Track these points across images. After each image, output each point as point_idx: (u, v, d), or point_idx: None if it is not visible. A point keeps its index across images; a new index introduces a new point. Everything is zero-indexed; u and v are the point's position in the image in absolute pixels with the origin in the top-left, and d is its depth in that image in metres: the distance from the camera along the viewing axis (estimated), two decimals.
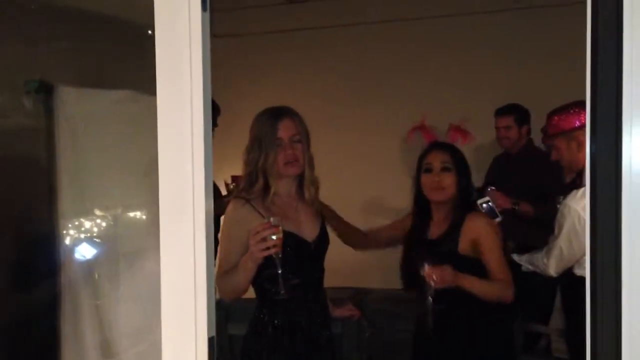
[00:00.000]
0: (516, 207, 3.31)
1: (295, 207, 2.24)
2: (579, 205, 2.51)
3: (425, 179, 2.48)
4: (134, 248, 2.59)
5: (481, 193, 3.08)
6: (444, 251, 2.40)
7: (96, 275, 2.35)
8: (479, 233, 2.37)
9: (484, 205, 2.77)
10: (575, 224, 2.52)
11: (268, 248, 1.99)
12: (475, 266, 2.37)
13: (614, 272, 1.07)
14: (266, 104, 2.30)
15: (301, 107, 2.31)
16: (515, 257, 2.75)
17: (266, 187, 2.17)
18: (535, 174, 3.52)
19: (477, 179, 3.60)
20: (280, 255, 2.02)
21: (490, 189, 3.21)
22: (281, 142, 2.17)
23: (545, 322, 3.73)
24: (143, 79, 1.51)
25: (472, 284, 2.30)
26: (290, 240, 2.12)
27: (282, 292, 2.05)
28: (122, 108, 2.13)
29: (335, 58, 4.89)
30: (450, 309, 2.35)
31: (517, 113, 3.82)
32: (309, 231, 2.22)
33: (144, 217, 2.61)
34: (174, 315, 1.34)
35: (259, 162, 2.16)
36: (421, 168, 2.50)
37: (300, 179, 2.25)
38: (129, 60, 2.05)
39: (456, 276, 2.27)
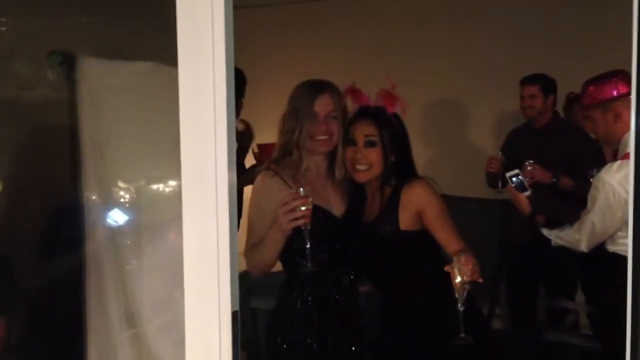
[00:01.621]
0: (556, 181, 3.21)
1: (324, 184, 2.21)
2: (613, 179, 2.43)
3: (348, 153, 2.19)
4: (158, 219, 2.61)
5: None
6: (385, 233, 2.18)
7: (120, 246, 2.36)
8: (421, 204, 2.13)
9: (514, 178, 2.70)
10: (609, 198, 2.44)
11: (297, 219, 1.95)
12: (421, 240, 2.18)
13: None
14: (293, 76, 2.27)
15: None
16: (545, 231, 2.69)
17: (298, 161, 2.14)
18: (564, 147, 3.43)
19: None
20: (309, 227, 1.97)
21: (529, 162, 3.13)
22: (317, 117, 2.13)
23: (571, 298, 3.67)
24: (166, 51, 1.49)
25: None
26: (319, 213, 2.09)
27: (309, 264, 2.00)
28: (146, 80, 2.13)
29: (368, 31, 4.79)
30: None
31: (543, 82, 3.71)
32: (337, 207, 2.19)
33: (168, 189, 2.61)
34: (197, 289, 1.33)
35: (294, 134, 2.13)
36: (346, 139, 2.20)
37: (332, 157, 2.20)
38: (152, 32, 2.04)
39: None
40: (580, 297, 3.64)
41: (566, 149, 3.41)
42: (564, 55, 4.03)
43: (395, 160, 2.19)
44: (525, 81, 3.76)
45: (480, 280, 1.94)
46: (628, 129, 2.44)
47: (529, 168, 3.08)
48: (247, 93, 3.50)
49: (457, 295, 1.92)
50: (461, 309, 1.93)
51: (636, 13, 0.98)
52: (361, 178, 2.19)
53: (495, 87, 4.34)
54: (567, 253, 3.48)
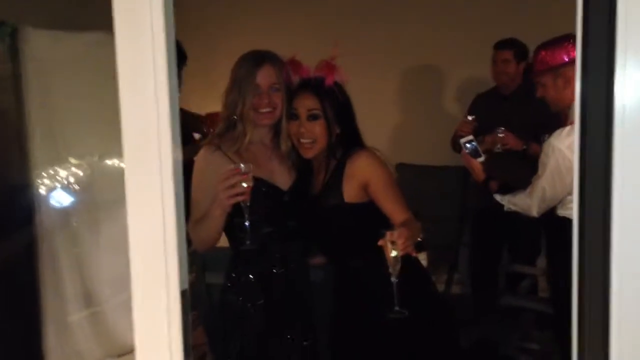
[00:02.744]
0: (526, 148, 3.23)
1: (269, 156, 2.18)
2: (563, 144, 2.44)
3: (292, 127, 2.14)
4: (113, 196, 2.56)
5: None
6: (330, 205, 2.15)
7: (74, 225, 2.32)
8: (364, 175, 2.10)
9: (468, 144, 2.69)
10: (558, 163, 2.46)
11: (236, 195, 1.92)
12: (367, 212, 2.14)
13: (602, 215, 1.02)
14: (243, 46, 2.21)
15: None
16: (497, 197, 2.70)
17: (242, 134, 2.11)
18: (531, 114, 3.43)
19: None
20: (248, 204, 1.95)
21: (500, 129, 3.12)
22: (259, 89, 2.09)
23: (532, 262, 3.73)
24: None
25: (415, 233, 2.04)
26: (262, 187, 2.07)
27: (248, 242, 1.98)
28: (96, 51, 2.06)
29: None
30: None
31: (517, 47, 3.67)
32: (282, 180, 2.17)
33: (122, 165, 2.54)
34: (143, 269, 1.29)
35: (237, 106, 2.10)
36: (289, 113, 2.15)
37: (276, 129, 2.18)
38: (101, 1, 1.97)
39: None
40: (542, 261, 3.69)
41: (534, 117, 3.40)
42: (532, 21, 3.97)
43: (340, 131, 2.15)
44: (499, 46, 3.71)
45: (413, 254, 1.94)
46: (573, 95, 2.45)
47: (500, 135, 3.08)
48: (188, 66, 3.38)
49: (390, 270, 1.91)
50: (394, 282, 1.92)
51: None
52: (307, 152, 2.16)
53: (462, 52, 4.29)
54: (527, 218, 3.60)
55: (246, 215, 1.97)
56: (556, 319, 2.68)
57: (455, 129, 3.66)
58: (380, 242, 1.88)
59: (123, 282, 2.63)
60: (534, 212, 2.60)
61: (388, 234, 1.88)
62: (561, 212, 2.59)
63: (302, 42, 2.41)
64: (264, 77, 2.11)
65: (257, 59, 2.13)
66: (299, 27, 4.49)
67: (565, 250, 2.66)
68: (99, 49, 2.01)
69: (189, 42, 3.06)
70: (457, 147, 3.66)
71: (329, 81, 2.16)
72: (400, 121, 4.70)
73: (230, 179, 1.90)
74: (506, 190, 2.70)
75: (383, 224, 2.07)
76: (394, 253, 1.88)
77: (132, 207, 1.27)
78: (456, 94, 4.57)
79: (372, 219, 2.13)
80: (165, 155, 1.26)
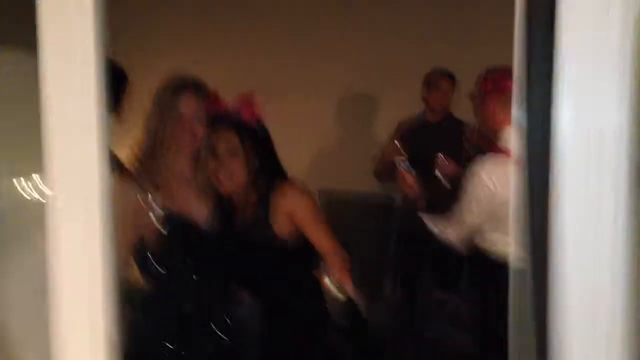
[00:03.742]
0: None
1: (187, 188, 2.11)
2: (484, 170, 2.49)
3: (209, 164, 2.08)
4: (24, 226, 2.41)
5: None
6: (260, 240, 2.12)
7: None
8: (289, 206, 2.07)
9: (402, 163, 2.77)
10: (477, 189, 2.49)
11: (137, 228, 1.89)
12: (299, 245, 2.11)
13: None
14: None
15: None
16: (423, 215, 2.72)
17: (161, 163, 2.04)
18: (458, 142, 3.50)
19: None
20: (151, 242, 1.93)
21: (440, 155, 3.16)
22: (182, 118, 2.03)
23: (453, 288, 3.77)
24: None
25: None
26: (178, 220, 2.01)
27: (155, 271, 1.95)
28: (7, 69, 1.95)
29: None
30: None
31: (454, 78, 3.76)
32: (200, 213, 2.10)
33: (31, 189, 2.40)
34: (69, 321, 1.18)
35: (157, 134, 2.01)
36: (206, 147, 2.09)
37: (197, 158, 2.12)
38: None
39: None
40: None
41: (460, 144, 3.48)
42: (461, 50, 4.05)
43: (260, 166, 2.12)
44: (441, 74, 3.76)
45: (348, 285, 1.91)
46: (505, 125, 2.54)
47: (440, 160, 3.14)
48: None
49: (332, 294, 1.92)
50: (341, 299, 1.94)
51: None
52: (226, 189, 2.11)
53: (387, 76, 4.34)
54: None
55: (149, 253, 1.92)
56: (477, 352, 2.72)
57: (381, 156, 3.68)
58: (315, 273, 1.86)
59: (34, 317, 2.46)
60: (452, 238, 2.63)
61: (321, 264, 1.86)
62: (480, 244, 2.64)
63: (218, 74, 2.34)
64: (187, 104, 2.04)
65: (180, 86, 2.07)
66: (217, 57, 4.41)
67: (483, 284, 2.76)
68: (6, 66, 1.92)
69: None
70: (382, 175, 3.72)
71: (247, 117, 2.12)
72: (320, 146, 4.67)
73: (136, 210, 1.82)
74: (432, 211, 2.73)
75: (313, 256, 2.06)
76: (329, 283, 1.86)
77: (56, 247, 1.17)
78: (380, 119, 4.60)
79: (303, 252, 2.11)
80: (94, 184, 1.17)
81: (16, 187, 2.28)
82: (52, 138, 1.16)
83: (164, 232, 1.94)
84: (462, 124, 3.74)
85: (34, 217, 2.51)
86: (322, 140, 4.68)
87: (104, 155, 1.22)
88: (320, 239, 2.07)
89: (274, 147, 2.20)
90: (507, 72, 2.50)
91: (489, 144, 2.62)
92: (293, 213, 2.08)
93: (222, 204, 2.15)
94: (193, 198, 2.11)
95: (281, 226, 2.10)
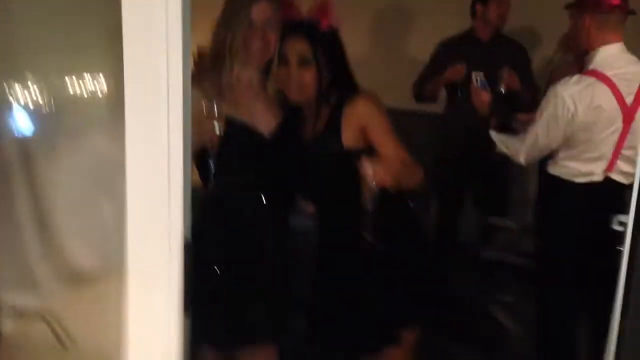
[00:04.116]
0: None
1: (254, 99, 1.99)
2: (566, 91, 2.31)
3: (280, 73, 1.98)
4: (78, 122, 2.38)
5: None
6: (327, 152, 2.02)
7: (32, 149, 2.14)
8: (364, 119, 1.97)
9: (479, 79, 2.62)
10: (557, 110, 2.33)
11: (201, 137, 1.77)
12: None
13: None
14: None
15: None
16: (493, 134, 2.58)
17: (228, 72, 1.91)
18: (507, 61, 3.29)
19: None
20: (215, 150, 1.81)
21: (505, 69, 3.00)
22: (253, 25, 1.89)
23: (502, 215, 3.67)
24: None
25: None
26: (243, 131, 1.91)
27: (211, 185, 1.84)
28: None
29: None
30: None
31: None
32: (265, 125, 1.98)
33: (92, 87, 2.35)
34: (143, 215, 1.10)
35: (226, 42, 1.88)
36: (278, 56, 1.97)
37: (267, 69, 1.99)
38: None
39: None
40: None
41: (509, 64, 3.27)
42: None
43: (332, 78, 2.00)
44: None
45: (387, 185, 1.82)
46: (600, 44, 2.34)
47: (506, 74, 2.96)
48: None
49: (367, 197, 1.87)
50: (370, 209, 1.86)
51: None
52: (295, 100, 2.00)
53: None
54: (494, 168, 3.50)
55: (211, 162, 1.82)
56: (543, 276, 2.63)
57: (425, 75, 3.52)
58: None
59: (82, 208, 2.47)
60: (522, 158, 2.49)
61: (365, 161, 1.80)
62: (552, 170, 2.49)
63: None
64: (259, 11, 1.89)
65: None
66: None
67: (555, 209, 2.64)
68: None
69: None
70: (423, 95, 3.54)
71: (323, 25, 1.98)
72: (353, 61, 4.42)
73: (199, 118, 1.71)
74: (504, 130, 2.58)
75: None
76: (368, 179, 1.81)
77: (131, 139, 1.06)
78: (420, 38, 4.32)
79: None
80: (174, 82, 1.06)
81: (68, 85, 2.23)
82: (130, 39, 1.03)
83: (228, 141, 1.82)
84: (516, 44, 3.53)
85: (87, 115, 2.48)
86: (355, 54, 4.39)
87: (187, 52, 1.10)
88: (394, 151, 1.96)
89: (347, 58, 2.06)
90: None
91: (577, 65, 2.43)
92: (366, 125, 1.97)
93: (290, 116, 2.04)
94: (260, 109, 1.99)
95: (350, 139, 1.99)
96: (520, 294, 3.03)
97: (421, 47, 3.81)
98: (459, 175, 3.62)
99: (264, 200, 1.99)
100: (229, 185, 1.92)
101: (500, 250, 3.38)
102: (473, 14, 3.52)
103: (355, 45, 4.07)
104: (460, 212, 3.68)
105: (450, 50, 3.56)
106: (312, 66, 1.96)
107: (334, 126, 1.99)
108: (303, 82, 1.96)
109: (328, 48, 1.99)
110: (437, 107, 3.71)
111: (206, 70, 1.93)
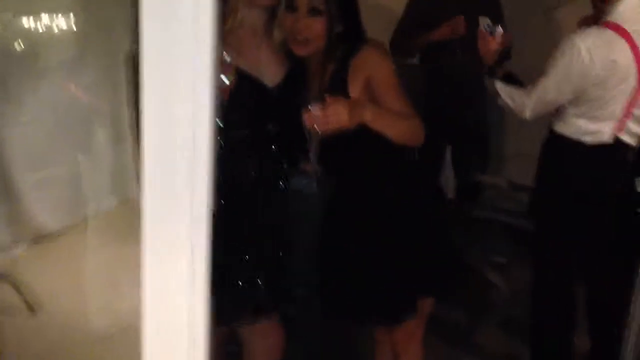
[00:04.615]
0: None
1: (258, 46, 1.80)
2: (584, 43, 2.15)
3: (287, 20, 1.81)
4: (41, 64, 2.19)
5: None
6: None
7: None
8: (368, 70, 1.82)
9: (486, 25, 2.44)
10: (572, 61, 2.17)
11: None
12: None
13: None
14: None
15: None
16: (498, 84, 2.41)
17: (232, 12, 1.71)
18: (486, 9, 3.11)
19: None
20: (225, 104, 1.61)
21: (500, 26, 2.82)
22: None
23: (482, 171, 3.56)
24: None
25: (379, 115, 1.74)
26: (245, 81, 1.72)
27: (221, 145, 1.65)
28: None
29: None
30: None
31: None
32: (270, 75, 1.80)
33: (62, 26, 2.13)
34: (159, 184, 0.91)
35: None
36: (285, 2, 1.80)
37: (272, 13, 1.79)
38: None
39: (358, 108, 1.70)
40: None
41: (485, 13, 3.09)
42: None
43: (342, 29, 1.82)
44: None
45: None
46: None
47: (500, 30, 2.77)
48: None
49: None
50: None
51: None
52: (301, 51, 1.82)
53: None
54: (475, 124, 3.39)
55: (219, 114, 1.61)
56: (540, 236, 2.53)
57: (401, 26, 3.31)
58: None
59: (40, 160, 2.29)
60: (527, 112, 2.33)
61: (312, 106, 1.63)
62: (558, 127, 2.36)
63: None
64: None
65: None
66: None
67: (559, 169, 2.53)
68: None
69: None
70: (402, 50, 3.31)
71: None
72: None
73: None
74: (510, 81, 2.41)
75: None
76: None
77: (149, 97, 0.86)
78: None
79: None
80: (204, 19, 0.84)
81: (29, 25, 2.06)
82: None
83: (234, 93, 1.63)
84: None
85: (55, 57, 2.25)
86: None
87: None
88: (400, 101, 1.82)
89: (359, 8, 1.87)
90: None
91: (595, 15, 2.27)
92: (370, 77, 1.81)
93: (297, 67, 1.86)
94: (265, 59, 1.80)
95: (357, 93, 1.83)
96: (514, 255, 2.95)
97: None
98: (441, 130, 3.48)
99: (267, 158, 1.82)
100: (233, 141, 1.74)
101: (491, 209, 3.28)
102: None
103: None
104: (441, 167, 3.57)
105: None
106: (324, 15, 1.77)
107: (340, 81, 1.82)
108: (311, 32, 1.77)
109: None
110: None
111: None
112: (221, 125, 1.60)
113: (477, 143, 3.51)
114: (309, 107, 1.62)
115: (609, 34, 2.15)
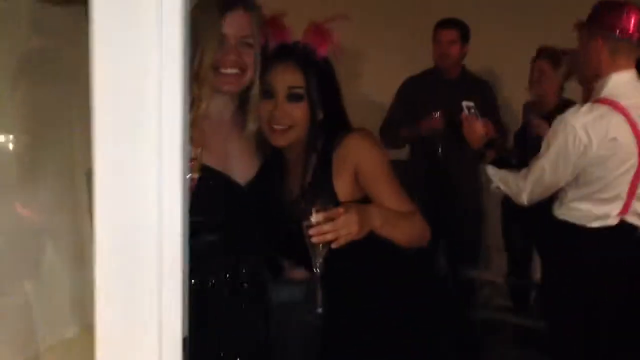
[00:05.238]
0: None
1: (227, 138, 1.60)
2: (578, 122, 2.04)
3: (264, 107, 1.62)
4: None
5: None
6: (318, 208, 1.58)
7: None
8: (355, 161, 1.62)
9: (472, 110, 2.36)
10: (568, 142, 2.05)
11: None
12: None
13: None
14: None
15: None
16: (490, 169, 2.28)
17: (196, 101, 1.51)
18: (475, 100, 3.07)
19: None
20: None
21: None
22: (225, 41, 1.52)
23: (473, 266, 3.37)
24: None
25: (387, 220, 1.55)
26: (213, 179, 1.51)
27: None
28: None
29: None
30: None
31: (462, 28, 3.30)
32: (241, 171, 1.59)
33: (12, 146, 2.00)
34: (121, 305, 0.70)
35: (193, 62, 1.48)
36: (261, 88, 1.62)
37: (243, 101, 1.61)
38: None
39: (366, 214, 1.51)
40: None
41: (483, 105, 3.05)
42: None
43: (324, 116, 1.65)
44: (443, 25, 3.30)
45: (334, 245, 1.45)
46: (610, 71, 2.09)
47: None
48: None
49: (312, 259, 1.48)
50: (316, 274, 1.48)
51: None
52: (279, 141, 1.62)
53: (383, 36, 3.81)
54: (470, 213, 3.28)
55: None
56: (552, 337, 2.28)
57: (390, 117, 3.30)
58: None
59: None
60: (524, 198, 2.18)
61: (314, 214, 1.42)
62: (559, 213, 2.19)
63: None
64: (234, 23, 1.53)
65: (226, 0, 1.54)
66: None
67: (564, 259, 2.24)
68: None
69: None
70: (389, 137, 3.25)
71: (321, 52, 1.63)
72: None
73: None
74: (502, 164, 2.27)
75: None
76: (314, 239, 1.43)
77: (101, 194, 0.68)
78: (376, 79, 4.06)
79: None
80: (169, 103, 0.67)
81: None
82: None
83: (198, 192, 1.39)
84: (482, 81, 3.38)
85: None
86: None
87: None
88: (396, 195, 1.62)
89: (341, 95, 1.71)
90: (627, 9, 2.06)
91: (587, 93, 2.18)
92: (360, 170, 1.62)
93: (272, 160, 1.66)
94: (235, 152, 1.60)
95: (345, 190, 1.62)
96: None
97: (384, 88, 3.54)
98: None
99: (243, 269, 1.58)
100: (197, 247, 1.50)
101: (491, 309, 3.02)
102: (437, 55, 3.34)
103: None
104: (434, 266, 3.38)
105: (413, 88, 3.35)
106: (304, 102, 1.60)
107: (324, 175, 1.62)
108: (291, 120, 1.59)
109: (323, 80, 1.63)
110: (399, 153, 3.46)
111: None
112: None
113: (470, 235, 3.36)
114: (311, 218, 1.41)
115: (604, 109, 2.04)
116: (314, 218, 1.41)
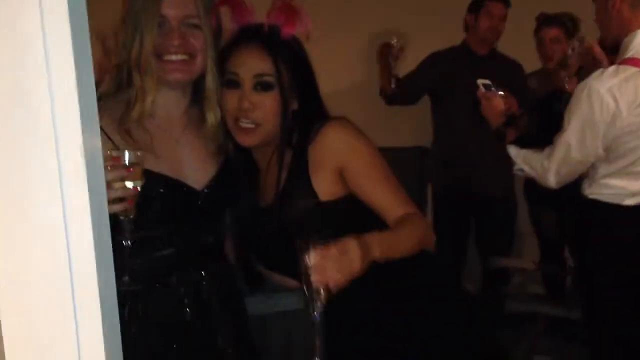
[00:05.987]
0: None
1: (177, 138, 1.39)
2: (603, 86, 1.82)
3: (228, 99, 1.41)
4: None
5: None
6: (298, 212, 1.43)
7: None
8: (338, 156, 1.41)
9: (488, 85, 2.27)
10: (594, 111, 1.84)
11: (111, 202, 1.14)
12: (349, 209, 1.43)
13: None
14: None
15: None
16: (512, 149, 2.08)
17: (138, 95, 1.32)
18: (503, 78, 2.91)
19: None
20: (131, 217, 1.20)
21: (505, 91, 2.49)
22: (166, 23, 1.32)
23: (507, 254, 3.17)
24: None
25: (387, 244, 1.32)
26: (161, 186, 1.32)
27: (126, 279, 1.23)
28: None
29: None
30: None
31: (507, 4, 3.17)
32: (196, 175, 1.39)
33: None
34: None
35: (132, 51, 1.29)
36: (223, 77, 1.42)
37: (195, 92, 1.41)
38: None
39: (365, 246, 1.26)
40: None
41: (505, 81, 2.89)
42: None
43: (298, 107, 1.44)
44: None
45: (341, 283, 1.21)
46: (635, 28, 1.88)
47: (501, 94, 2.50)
48: None
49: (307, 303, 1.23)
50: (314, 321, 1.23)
51: None
52: (247, 141, 1.41)
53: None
54: (500, 197, 3.12)
55: (126, 234, 1.21)
56: (589, 328, 2.09)
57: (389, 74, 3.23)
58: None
59: None
60: (551, 179, 1.97)
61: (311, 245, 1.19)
62: (590, 192, 1.98)
63: None
64: (175, 4, 1.32)
65: None
66: None
67: (600, 242, 1.91)
68: None
69: None
70: (394, 96, 3.25)
71: (287, 31, 1.42)
72: (348, 84, 3.87)
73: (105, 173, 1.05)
74: (525, 144, 2.07)
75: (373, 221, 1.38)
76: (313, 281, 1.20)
77: None
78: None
79: (357, 218, 1.40)
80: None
81: None
82: None
83: (144, 203, 1.24)
84: (512, 61, 3.26)
85: None
86: (349, 77, 3.87)
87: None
88: (386, 199, 1.40)
89: (316, 81, 1.48)
90: None
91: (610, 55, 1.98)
92: (344, 167, 1.40)
93: (237, 161, 1.46)
94: (189, 153, 1.40)
95: (326, 189, 1.41)
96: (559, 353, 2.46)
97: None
98: (455, 209, 3.20)
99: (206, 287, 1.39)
100: (150, 268, 1.32)
101: (522, 299, 2.80)
102: (466, 28, 3.27)
103: (345, 66, 3.65)
104: (459, 253, 3.19)
105: (441, 61, 3.25)
106: (275, 90, 1.39)
107: (301, 175, 1.40)
108: (261, 112, 1.38)
109: (295, 65, 1.42)
110: (420, 140, 3.40)
111: (107, 97, 1.32)
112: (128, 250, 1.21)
113: (503, 220, 3.20)
114: (306, 257, 1.19)
115: (632, 71, 1.83)
116: (312, 259, 1.19)
